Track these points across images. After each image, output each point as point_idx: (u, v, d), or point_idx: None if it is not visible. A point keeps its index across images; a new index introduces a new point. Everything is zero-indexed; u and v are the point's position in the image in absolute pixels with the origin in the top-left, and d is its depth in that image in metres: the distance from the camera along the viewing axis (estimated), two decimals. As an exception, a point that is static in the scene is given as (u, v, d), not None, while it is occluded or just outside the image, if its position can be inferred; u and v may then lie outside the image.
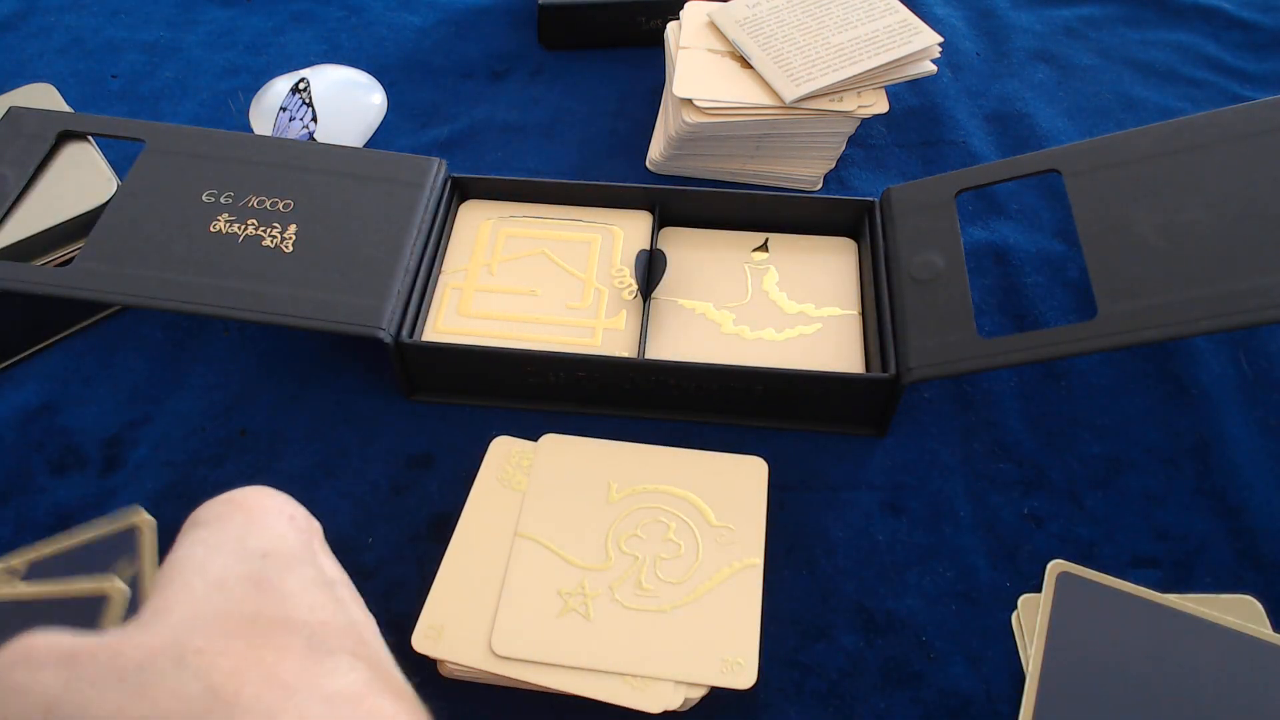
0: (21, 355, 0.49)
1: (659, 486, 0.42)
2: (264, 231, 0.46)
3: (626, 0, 0.64)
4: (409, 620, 0.38)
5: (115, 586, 0.29)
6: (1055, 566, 0.36)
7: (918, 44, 0.54)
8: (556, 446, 0.44)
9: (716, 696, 0.37)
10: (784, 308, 0.49)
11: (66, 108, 0.54)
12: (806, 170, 0.57)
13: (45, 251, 0.47)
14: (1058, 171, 0.46)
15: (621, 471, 0.42)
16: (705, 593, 0.39)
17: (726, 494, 0.42)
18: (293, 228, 0.46)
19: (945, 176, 0.48)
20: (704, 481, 0.42)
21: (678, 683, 0.36)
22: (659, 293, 0.49)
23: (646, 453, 0.43)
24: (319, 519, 0.44)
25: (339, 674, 0.23)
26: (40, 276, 0.45)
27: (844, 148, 0.57)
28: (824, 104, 0.53)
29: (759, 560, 0.40)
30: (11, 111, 0.51)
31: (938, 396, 0.48)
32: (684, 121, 0.53)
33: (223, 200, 0.47)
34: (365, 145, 0.59)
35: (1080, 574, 0.36)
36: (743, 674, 0.37)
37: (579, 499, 0.42)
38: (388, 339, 0.44)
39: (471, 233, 0.51)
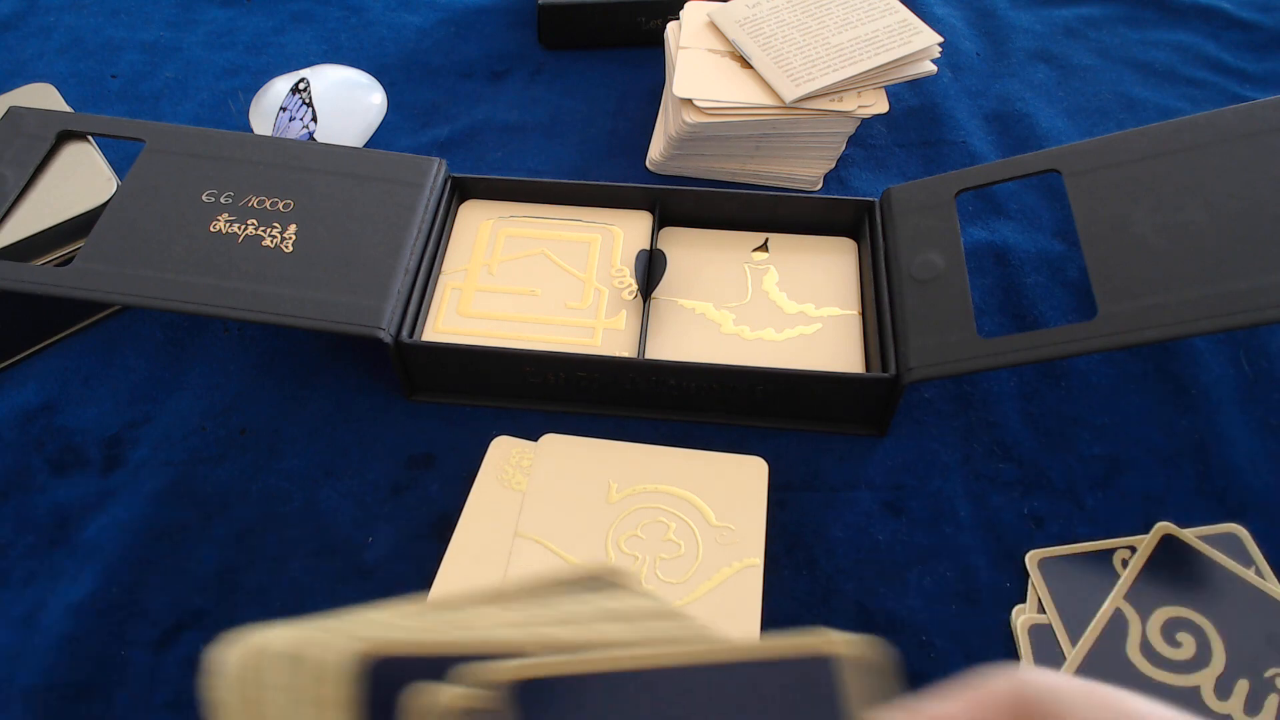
0: (21, 355, 0.49)
1: (659, 486, 0.42)
2: (264, 231, 0.46)
3: (626, 0, 0.64)
4: (409, 620, 0.38)
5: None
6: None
7: (918, 44, 0.54)
8: (556, 446, 0.44)
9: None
10: (784, 308, 0.49)
11: (66, 108, 0.54)
12: (806, 170, 0.57)
13: (45, 251, 0.47)
14: (1057, 171, 0.46)
15: (621, 471, 0.43)
16: (705, 592, 0.39)
17: (727, 493, 0.42)
18: (293, 228, 0.46)
19: (945, 176, 0.48)
20: (704, 481, 0.42)
21: None
22: (659, 293, 0.49)
23: (646, 452, 0.43)
24: (319, 519, 0.44)
25: None
26: (40, 276, 0.45)
27: (844, 148, 0.57)
28: (824, 104, 0.53)
29: (759, 560, 0.40)
30: (11, 111, 0.51)
31: (938, 396, 0.48)
32: (684, 121, 0.53)
33: (223, 200, 0.47)
34: (365, 145, 0.59)
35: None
36: None
37: (579, 499, 0.42)
38: (388, 339, 0.44)
39: (471, 233, 0.51)
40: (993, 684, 0.20)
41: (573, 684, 0.19)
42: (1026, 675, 0.19)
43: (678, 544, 0.40)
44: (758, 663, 0.20)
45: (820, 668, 0.21)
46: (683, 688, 0.20)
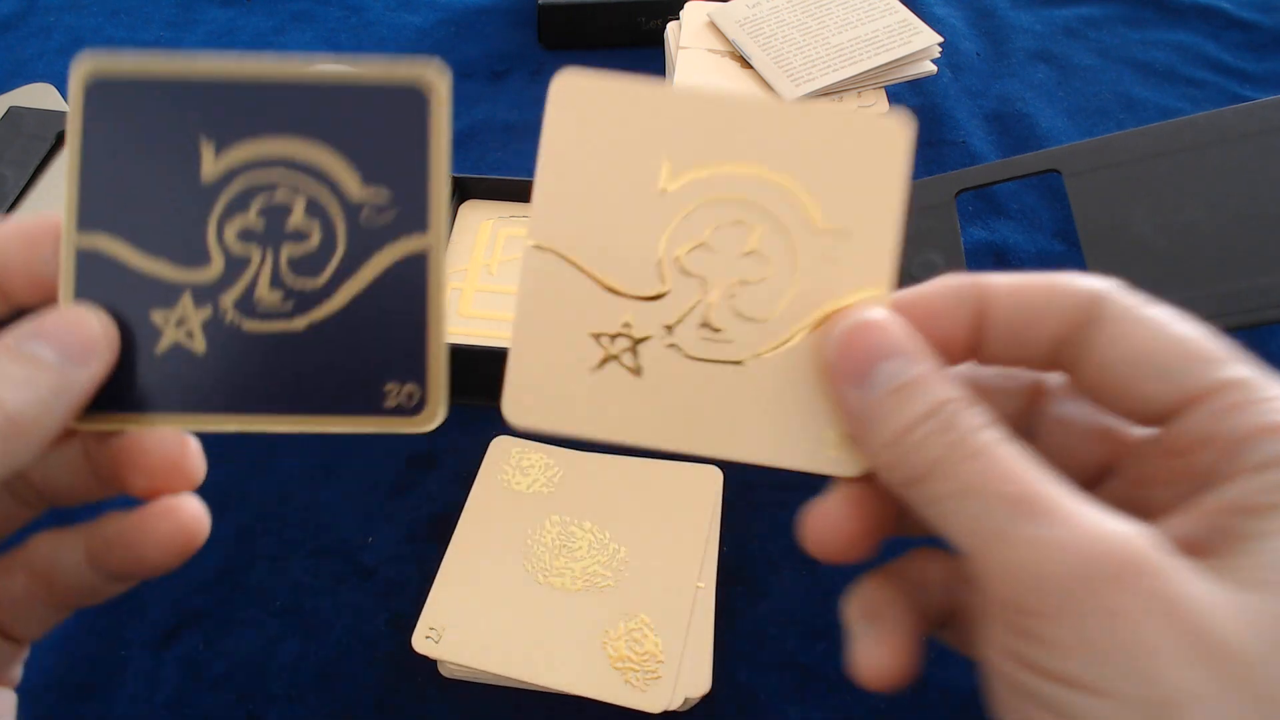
0: (21, 355, 0.49)
1: (738, 167, 0.26)
2: (264, 231, 0.46)
3: (627, 1, 0.64)
4: (409, 620, 0.38)
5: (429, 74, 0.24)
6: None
7: (918, 44, 0.54)
8: (579, 92, 0.27)
9: (716, 697, 0.37)
10: (784, 307, 0.48)
11: (67, 108, 0.54)
12: (806, 170, 0.57)
13: (45, 251, 0.47)
14: (1057, 172, 0.46)
15: (682, 140, 0.26)
16: (802, 335, 0.25)
17: (842, 175, 0.25)
18: (293, 228, 0.46)
19: (945, 176, 0.48)
20: (811, 156, 0.25)
21: (765, 465, 0.26)
22: (659, 292, 0.49)
23: (721, 109, 0.26)
24: (319, 519, 0.44)
25: None
26: (40, 276, 0.45)
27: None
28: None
29: (885, 286, 0.24)
30: (11, 111, 0.51)
31: (938, 396, 0.48)
32: (684, 121, 0.53)
33: (223, 200, 0.47)
34: (365, 145, 0.59)
35: None
36: (851, 458, 0.24)
37: (615, 185, 0.26)
38: (388, 339, 0.44)
39: (471, 233, 0.51)
40: (962, 277, 0.23)
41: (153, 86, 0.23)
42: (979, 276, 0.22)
43: (765, 259, 0.25)
44: (351, 86, 0.23)
45: (412, 98, 0.24)
46: (273, 100, 0.23)
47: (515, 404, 0.25)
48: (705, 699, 0.37)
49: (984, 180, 0.48)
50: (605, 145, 0.26)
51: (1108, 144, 0.45)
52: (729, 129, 0.26)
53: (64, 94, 0.55)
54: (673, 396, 0.25)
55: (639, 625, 0.38)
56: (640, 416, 0.26)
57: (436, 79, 0.24)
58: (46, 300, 0.22)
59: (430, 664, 0.39)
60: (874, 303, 0.24)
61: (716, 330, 0.25)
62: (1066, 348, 0.22)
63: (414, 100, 0.24)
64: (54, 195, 0.48)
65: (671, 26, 0.58)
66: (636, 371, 0.25)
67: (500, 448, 0.44)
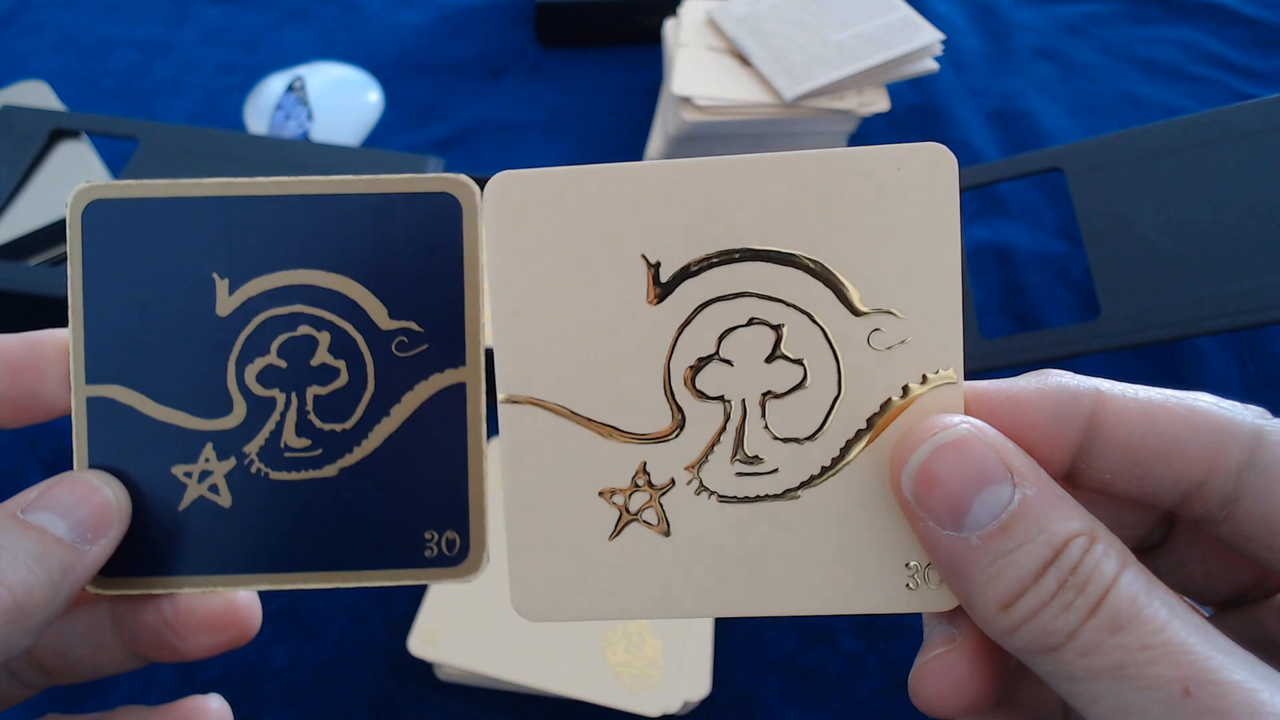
0: (15, 355, 0.49)
1: (744, 245, 0.20)
2: (259, 231, 0.46)
3: (625, -3, 0.63)
4: (406, 623, 0.38)
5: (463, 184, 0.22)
6: None
7: (919, 41, 0.53)
8: (525, 194, 0.21)
9: (715, 700, 0.37)
10: (784, 307, 0.48)
11: (60, 105, 0.53)
12: (807, 168, 0.56)
13: (39, 251, 0.47)
14: (1060, 170, 0.45)
15: (662, 233, 0.20)
16: (864, 449, 0.20)
17: (877, 237, 0.20)
18: (288, 227, 0.46)
19: (947, 175, 0.48)
20: (830, 219, 0.20)
21: (840, 613, 0.22)
22: (658, 292, 0.48)
23: (699, 180, 0.20)
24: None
25: None
26: (34, 276, 0.44)
27: (845, 147, 0.56)
28: (824, 102, 0.52)
29: (955, 364, 0.20)
30: (4, 109, 0.50)
31: (939, 397, 0.48)
32: (683, 120, 0.53)
33: (217, 199, 0.47)
34: (362, 144, 0.59)
35: None
36: (943, 589, 0.20)
37: (590, 303, 0.20)
38: (384, 339, 0.43)
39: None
40: (1074, 382, 0.17)
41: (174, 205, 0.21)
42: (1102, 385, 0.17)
43: (797, 365, 0.20)
44: (389, 194, 0.22)
45: (447, 203, 0.22)
46: (286, 225, 0.21)
47: (526, 597, 0.21)
48: (704, 702, 0.37)
49: (986, 179, 0.47)
50: (567, 257, 0.20)
51: (1111, 142, 0.45)
52: (716, 206, 0.20)
53: (57, 91, 0.54)
54: (715, 553, 0.20)
55: (638, 628, 0.38)
56: (679, 585, 0.21)
57: (467, 190, 0.22)
58: (26, 423, 0.21)
59: (426, 667, 0.38)
60: (948, 403, 0.19)
61: (753, 460, 0.20)
62: (1206, 491, 0.16)
63: (443, 215, 0.22)
64: (46, 194, 0.48)
65: (669, 23, 0.58)
66: (664, 530, 0.21)
67: (498, 449, 0.44)
